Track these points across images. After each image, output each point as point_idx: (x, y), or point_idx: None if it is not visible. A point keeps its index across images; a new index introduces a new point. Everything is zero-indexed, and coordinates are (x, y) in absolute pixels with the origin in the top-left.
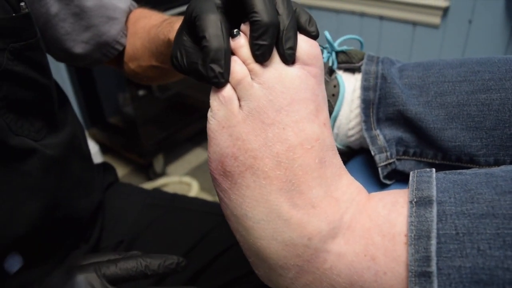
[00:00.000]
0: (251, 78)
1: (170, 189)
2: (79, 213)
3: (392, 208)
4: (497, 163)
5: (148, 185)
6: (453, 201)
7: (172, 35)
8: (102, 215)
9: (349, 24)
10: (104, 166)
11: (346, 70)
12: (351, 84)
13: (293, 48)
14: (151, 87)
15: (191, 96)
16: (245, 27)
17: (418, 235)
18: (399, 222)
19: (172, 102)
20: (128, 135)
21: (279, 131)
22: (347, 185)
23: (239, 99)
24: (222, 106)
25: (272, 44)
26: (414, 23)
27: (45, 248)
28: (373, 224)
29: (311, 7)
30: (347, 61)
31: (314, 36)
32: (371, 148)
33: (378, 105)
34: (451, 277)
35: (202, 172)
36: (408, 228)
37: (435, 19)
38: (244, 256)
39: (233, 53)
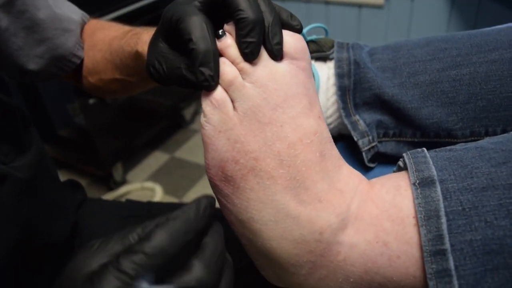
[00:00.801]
0: (242, 78)
1: (133, 196)
2: (55, 238)
3: (396, 193)
4: (473, 135)
5: (110, 195)
6: (453, 178)
7: (140, 46)
8: (79, 237)
9: (295, 12)
10: (71, 184)
11: (318, 59)
12: (324, 73)
13: (280, 43)
14: None
15: (144, 100)
16: (228, 27)
17: (427, 216)
18: (406, 205)
19: (125, 108)
20: (82, 147)
21: (277, 129)
22: (348, 175)
23: (232, 101)
24: (216, 110)
25: (260, 41)
26: (360, 5)
27: (23, 280)
28: (380, 210)
29: None
30: (318, 50)
31: (298, 29)
32: (353, 133)
33: (354, 91)
34: (464, 252)
35: (164, 175)
36: (416, 210)
37: (379, 0)
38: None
39: (220, 55)
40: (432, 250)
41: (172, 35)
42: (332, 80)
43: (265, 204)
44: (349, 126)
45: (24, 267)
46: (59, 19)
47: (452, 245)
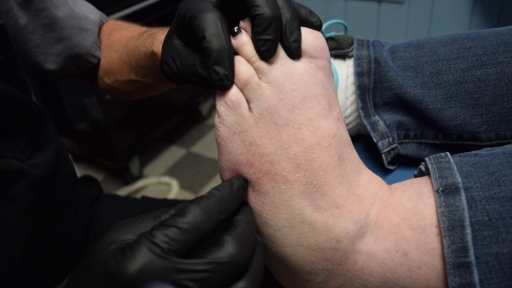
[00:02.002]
0: (258, 77)
1: (149, 191)
2: (70, 233)
3: (418, 200)
4: (498, 138)
5: (127, 189)
6: (479, 186)
7: (155, 47)
8: (93, 233)
9: (313, 7)
10: (87, 179)
11: (337, 56)
12: (343, 71)
13: (298, 40)
14: None
15: (160, 94)
16: (244, 24)
17: (451, 226)
18: (428, 213)
19: (142, 102)
20: (99, 141)
21: (294, 132)
22: (368, 180)
23: (247, 101)
24: (230, 111)
25: (277, 38)
26: (379, 0)
27: (39, 276)
28: (401, 218)
29: None
30: (337, 48)
31: (317, 26)
32: (372, 135)
33: (374, 90)
34: (490, 265)
35: (180, 170)
36: (440, 219)
37: None
38: None
39: (235, 53)
40: (456, 262)
41: (186, 32)
42: (351, 78)
43: (280, 209)
44: (368, 127)
45: (39, 262)
46: (77, 18)
47: (477, 258)
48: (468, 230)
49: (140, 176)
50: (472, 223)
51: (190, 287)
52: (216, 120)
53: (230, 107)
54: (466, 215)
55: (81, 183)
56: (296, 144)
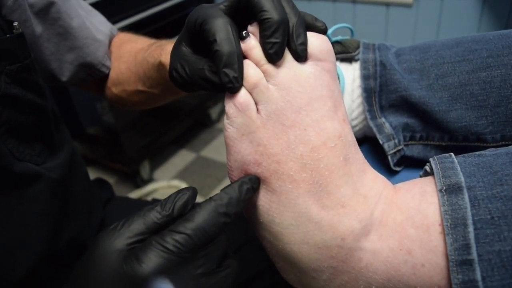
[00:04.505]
0: (266, 80)
1: (159, 194)
2: (84, 234)
3: (421, 199)
4: (504, 139)
5: (137, 193)
6: (482, 185)
7: (163, 58)
8: None
9: (322, 11)
10: (99, 182)
11: (343, 60)
12: (349, 74)
13: (305, 43)
14: None
15: None
16: (252, 28)
17: (454, 224)
18: (431, 212)
19: None
20: (110, 145)
21: (300, 132)
22: (373, 180)
23: (256, 103)
24: (239, 113)
25: (284, 42)
26: (388, 4)
27: (53, 276)
28: (405, 216)
29: None
30: (343, 51)
31: (322, 30)
32: (378, 137)
33: (380, 93)
34: (492, 262)
35: (190, 174)
36: (443, 217)
37: None
38: (254, 256)
39: (244, 56)
40: (458, 259)
41: (196, 38)
42: (357, 81)
43: (286, 208)
44: (374, 129)
45: (54, 262)
46: (89, 29)
47: (479, 255)
48: (471, 228)
49: (150, 180)
50: (474, 221)
51: (198, 275)
52: (225, 121)
53: (238, 109)
54: (469, 213)
55: (94, 185)
56: (302, 145)
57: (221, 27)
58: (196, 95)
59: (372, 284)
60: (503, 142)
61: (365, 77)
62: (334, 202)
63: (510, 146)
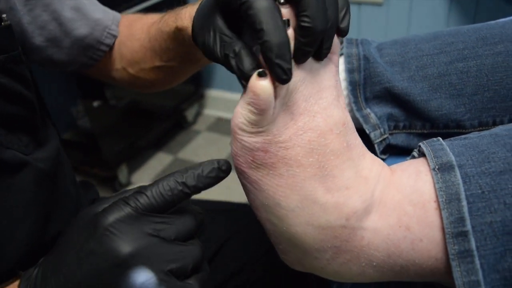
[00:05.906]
0: None
1: None
2: None
3: (416, 178)
4: (481, 125)
5: None
6: (471, 163)
7: (180, 22)
8: None
9: None
10: (84, 184)
11: None
12: None
13: (330, 47)
14: (106, 97)
15: (146, 101)
16: (286, 11)
17: (448, 199)
18: (427, 189)
19: (128, 109)
20: (87, 149)
21: (309, 119)
22: (372, 163)
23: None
24: (258, 116)
25: (315, 50)
26: (359, 3)
27: None
28: (402, 195)
29: None
30: None
31: (344, 34)
32: (365, 126)
33: (364, 85)
34: (485, 233)
35: None
36: (438, 194)
37: None
38: (241, 248)
39: None
40: (454, 232)
41: (233, 14)
42: (342, 75)
43: (292, 191)
44: (360, 120)
45: (42, 257)
46: (82, 10)
47: (473, 227)
48: (464, 203)
49: (128, 184)
50: (467, 196)
51: (152, 234)
52: (239, 120)
53: (258, 110)
54: (462, 189)
55: (79, 186)
56: (310, 131)
57: (269, 15)
58: (172, 97)
59: (373, 261)
60: (481, 128)
61: (349, 71)
62: (339, 185)
63: (492, 129)
